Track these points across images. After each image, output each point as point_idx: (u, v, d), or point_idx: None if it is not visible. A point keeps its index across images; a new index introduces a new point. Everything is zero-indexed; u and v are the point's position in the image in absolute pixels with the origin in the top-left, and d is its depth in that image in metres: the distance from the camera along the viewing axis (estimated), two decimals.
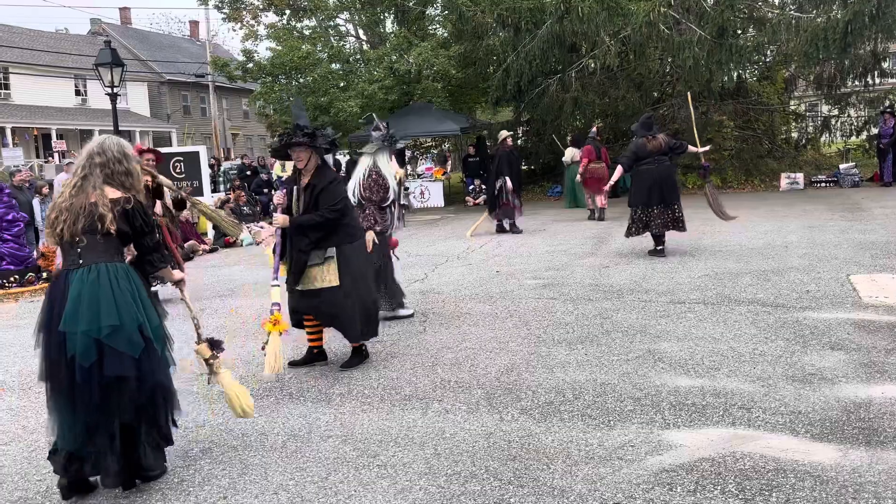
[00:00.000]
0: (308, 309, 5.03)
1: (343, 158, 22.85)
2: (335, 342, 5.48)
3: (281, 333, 4.78)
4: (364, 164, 6.15)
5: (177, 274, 3.81)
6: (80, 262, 3.25)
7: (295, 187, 5.04)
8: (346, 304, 4.92)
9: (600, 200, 13.15)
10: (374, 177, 6.04)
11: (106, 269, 3.24)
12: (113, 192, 3.34)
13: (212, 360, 3.75)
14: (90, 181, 3.33)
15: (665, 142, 8.76)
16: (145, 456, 3.35)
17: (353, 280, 4.96)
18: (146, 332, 3.25)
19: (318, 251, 4.92)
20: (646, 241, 10.26)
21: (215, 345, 3.80)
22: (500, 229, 12.10)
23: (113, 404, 3.19)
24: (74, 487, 3.31)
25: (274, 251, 4.99)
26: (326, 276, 4.90)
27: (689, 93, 10.92)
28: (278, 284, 4.96)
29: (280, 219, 4.92)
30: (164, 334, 3.41)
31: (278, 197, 5.09)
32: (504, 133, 12.23)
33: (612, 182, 9.83)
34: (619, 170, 9.13)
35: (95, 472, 3.27)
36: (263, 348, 4.73)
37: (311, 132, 4.87)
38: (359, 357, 5.21)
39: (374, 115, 9.05)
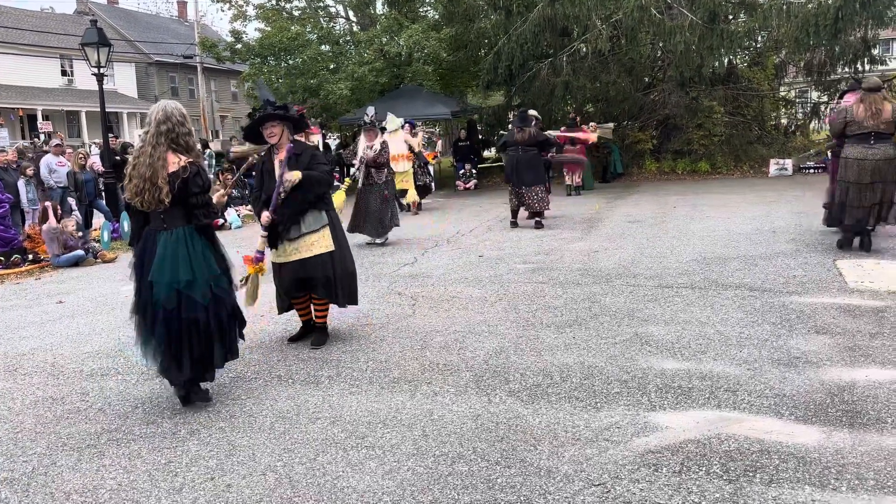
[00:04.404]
0: (304, 274, 5.02)
1: (333, 143, 22.74)
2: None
3: (261, 274, 5.11)
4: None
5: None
6: (164, 225, 3.96)
7: (277, 161, 4.97)
8: (337, 270, 5.08)
9: (576, 178, 15.22)
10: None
11: (183, 231, 3.95)
12: (173, 163, 3.86)
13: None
14: (158, 151, 3.87)
15: (533, 134, 10.29)
16: (216, 360, 4.13)
17: (341, 247, 5.15)
18: (211, 282, 4.00)
19: (317, 215, 5.01)
20: (633, 227, 10.29)
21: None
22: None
23: (188, 336, 3.97)
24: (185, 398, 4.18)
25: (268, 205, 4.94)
26: (323, 241, 5.03)
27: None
28: (266, 235, 5.00)
29: (294, 174, 4.83)
30: (225, 281, 4.13)
31: (277, 169, 4.91)
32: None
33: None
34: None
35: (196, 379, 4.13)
36: (243, 283, 4.93)
37: (282, 105, 5.02)
38: (326, 334, 5.36)
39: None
